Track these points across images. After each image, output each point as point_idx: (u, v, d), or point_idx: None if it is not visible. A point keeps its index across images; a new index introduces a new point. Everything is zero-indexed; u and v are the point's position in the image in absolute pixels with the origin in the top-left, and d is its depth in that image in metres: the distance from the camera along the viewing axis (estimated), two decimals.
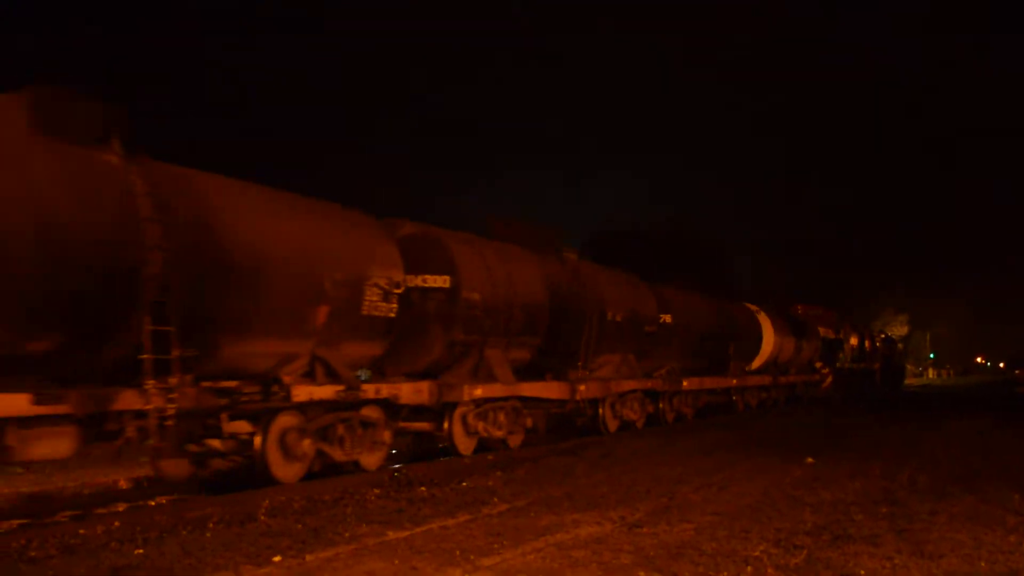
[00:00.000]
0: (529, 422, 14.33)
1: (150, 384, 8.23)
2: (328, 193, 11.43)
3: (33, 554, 6.72)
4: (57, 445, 7.88)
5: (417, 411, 12.23)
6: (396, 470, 11.01)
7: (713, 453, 13.20)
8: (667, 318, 19.34)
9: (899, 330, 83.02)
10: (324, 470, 10.63)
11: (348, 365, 10.86)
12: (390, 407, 11.42)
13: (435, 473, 11.04)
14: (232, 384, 9.28)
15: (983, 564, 6.07)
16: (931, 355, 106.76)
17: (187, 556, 6.58)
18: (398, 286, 11.39)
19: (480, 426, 13.07)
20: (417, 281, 12.13)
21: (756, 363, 25.96)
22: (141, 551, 6.80)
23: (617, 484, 10.05)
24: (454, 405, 12.52)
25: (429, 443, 13.18)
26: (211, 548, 6.84)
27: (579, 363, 15.56)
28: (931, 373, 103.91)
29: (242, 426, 9.60)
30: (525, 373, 14.29)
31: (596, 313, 15.97)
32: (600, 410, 16.63)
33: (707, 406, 22.32)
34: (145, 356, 8.19)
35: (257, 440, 9.67)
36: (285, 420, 9.92)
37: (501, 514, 8.29)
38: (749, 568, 5.96)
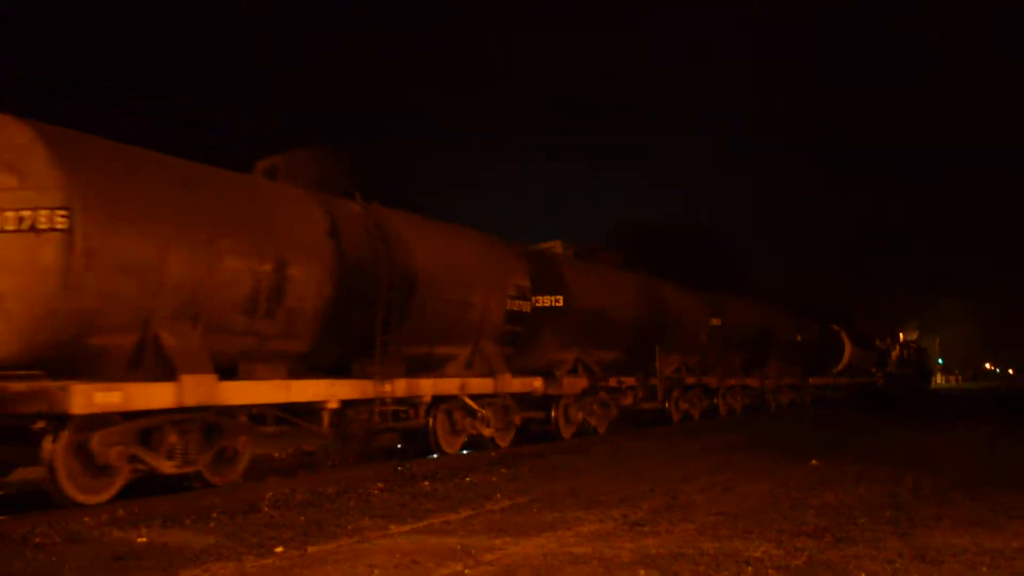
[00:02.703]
0: (748, 400, 25.41)
1: (658, 372, 19.08)
2: None
3: (38, 540, 6.74)
4: (626, 401, 18.16)
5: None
6: (400, 464, 11.09)
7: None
8: (799, 336, 30.03)
9: (908, 335, 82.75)
10: (682, 418, 21.36)
11: (695, 367, 21.62)
12: (706, 387, 22.53)
13: (438, 468, 11.09)
14: (671, 376, 20.28)
15: (985, 569, 6.03)
16: (939, 360, 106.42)
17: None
18: (709, 325, 22.20)
19: (730, 402, 24.11)
20: (713, 320, 22.39)
21: (839, 368, 36.23)
22: (144, 539, 6.83)
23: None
24: (719, 388, 23.17)
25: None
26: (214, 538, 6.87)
27: (766, 365, 26.77)
28: (939, 378, 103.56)
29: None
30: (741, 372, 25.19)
31: (774, 336, 27.24)
32: (767, 396, 27.20)
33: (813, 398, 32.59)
34: (656, 360, 18.96)
35: (668, 404, 20.50)
36: (676, 393, 20.98)
37: (503, 510, 8.31)
38: (750, 569, 5.95)
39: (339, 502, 8.66)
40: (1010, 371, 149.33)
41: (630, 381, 18.01)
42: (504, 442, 13.89)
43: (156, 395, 8.33)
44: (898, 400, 37.93)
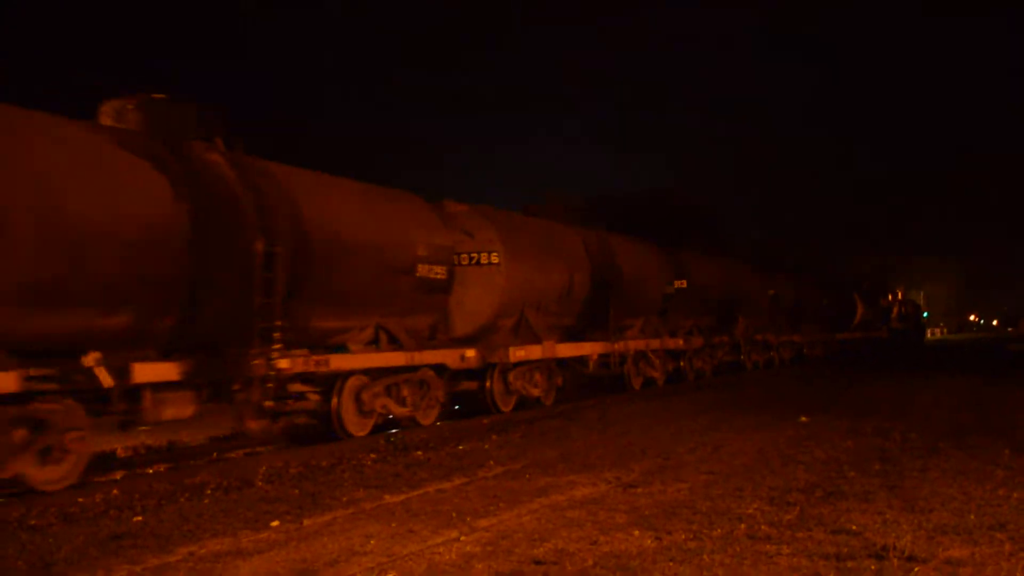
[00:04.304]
0: (793, 353, 31.79)
1: (740, 332, 25.78)
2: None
3: (33, 522, 6.75)
4: (720, 353, 24.97)
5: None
6: (392, 435, 11.15)
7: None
8: (824, 301, 36.30)
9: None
10: (753, 367, 27.30)
11: (759, 328, 27.48)
12: (766, 343, 28.63)
13: (430, 437, 11.15)
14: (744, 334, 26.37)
15: (972, 517, 6.15)
16: (924, 314, 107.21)
17: (185, 522, 6.63)
18: (768, 295, 28.08)
19: (783, 354, 30.04)
20: (770, 291, 28.77)
21: (853, 324, 42.13)
22: (140, 518, 6.84)
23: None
24: (775, 344, 29.54)
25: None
26: (209, 514, 6.91)
27: (802, 325, 32.68)
28: (927, 332, 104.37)
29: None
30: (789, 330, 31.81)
31: (807, 301, 33.27)
32: (805, 349, 33.34)
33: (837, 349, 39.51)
34: (739, 324, 25.49)
35: (743, 356, 26.31)
36: (748, 348, 26.79)
37: (497, 476, 8.37)
38: (743, 525, 6.02)
39: (333, 474, 8.71)
40: (994, 322, 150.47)
41: (725, 339, 24.72)
42: (661, 382, 20.36)
43: (535, 351, 14.88)
44: (899, 352, 44.17)
